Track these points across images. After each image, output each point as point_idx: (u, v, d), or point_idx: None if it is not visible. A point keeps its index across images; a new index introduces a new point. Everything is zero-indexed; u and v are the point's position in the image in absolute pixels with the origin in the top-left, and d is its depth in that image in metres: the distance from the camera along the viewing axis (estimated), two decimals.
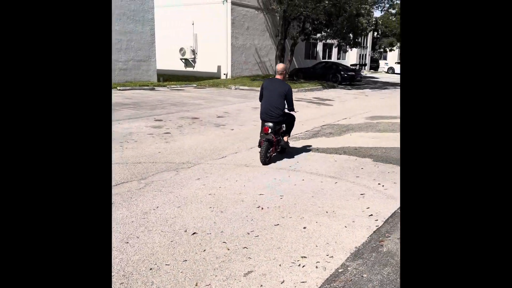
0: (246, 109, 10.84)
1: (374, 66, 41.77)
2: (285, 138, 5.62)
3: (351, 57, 36.61)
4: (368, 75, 31.54)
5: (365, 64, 31.85)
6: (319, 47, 31.09)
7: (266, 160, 5.27)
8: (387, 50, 43.62)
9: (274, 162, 5.48)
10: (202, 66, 22.58)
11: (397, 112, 11.09)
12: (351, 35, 23.90)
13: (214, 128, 7.87)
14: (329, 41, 26.53)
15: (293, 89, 16.56)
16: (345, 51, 25.97)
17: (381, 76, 32.66)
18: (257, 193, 4.27)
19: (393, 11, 41.20)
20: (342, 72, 21.49)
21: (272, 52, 24.52)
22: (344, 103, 13.30)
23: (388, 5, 21.22)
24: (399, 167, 5.31)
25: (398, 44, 42.10)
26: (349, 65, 24.39)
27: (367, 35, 32.10)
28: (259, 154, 5.50)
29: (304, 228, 3.43)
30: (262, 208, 3.85)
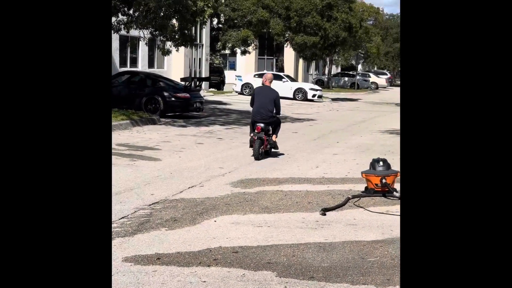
0: None
1: (217, 82, 43.81)
2: (273, 137, 12.51)
3: (175, 64, 37.82)
4: (209, 98, 32.84)
5: (205, 78, 33.09)
6: (114, 43, 31.25)
7: (260, 156, 11.89)
8: (237, 51, 46.55)
9: None
10: None
11: (286, 168, 11.57)
12: (175, 21, 24.68)
13: None
14: (133, 32, 26.77)
15: None
16: (166, 53, 26.57)
17: (232, 99, 34.46)
18: None
19: None
20: (167, 94, 21.83)
21: None
22: (181, 153, 13.46)
23: None
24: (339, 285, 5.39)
25: (257, 42, 45.41)
26: (178, 80, 24.88)
27: (204, 23, 33.66)
28: (252, 152, 12.18)
29: None
30: None
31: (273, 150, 13.05)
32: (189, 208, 8.20)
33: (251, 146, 12.66)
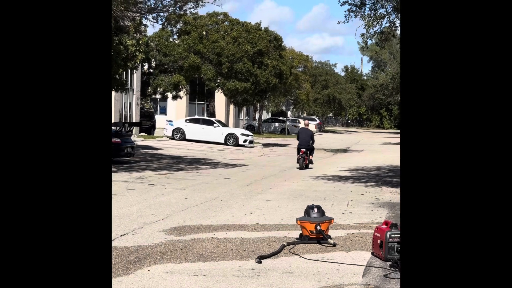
0: None
1: (148, 126, 43.49)
2: (310, 157, 24.29)
3: None
4: (139, 143, 32.53)
5: (136, 123, 32.81)
6: None
7: (303, 167, 23.22)
8: (168, 96, 46.39)
9: None
10: None
11: (220, 215, 11.45)
12: None
13: None
14: None
15: None
16: None
17: (163, 144, 34.21)
18: None
19: (174, 29, 44.65)
20: None
21: None
22: (112, 200, 13.00)
23: (172, 11, 22.71)
24: None
25: (188, 87, 45.38)
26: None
27: (135, 68, 33.43)
28: (298, 164, 23.61)
29: None
30: None
31: (310, 165, 23.61)
32: (121, 257, 7.97)
33: (298, 162, 23.17)
